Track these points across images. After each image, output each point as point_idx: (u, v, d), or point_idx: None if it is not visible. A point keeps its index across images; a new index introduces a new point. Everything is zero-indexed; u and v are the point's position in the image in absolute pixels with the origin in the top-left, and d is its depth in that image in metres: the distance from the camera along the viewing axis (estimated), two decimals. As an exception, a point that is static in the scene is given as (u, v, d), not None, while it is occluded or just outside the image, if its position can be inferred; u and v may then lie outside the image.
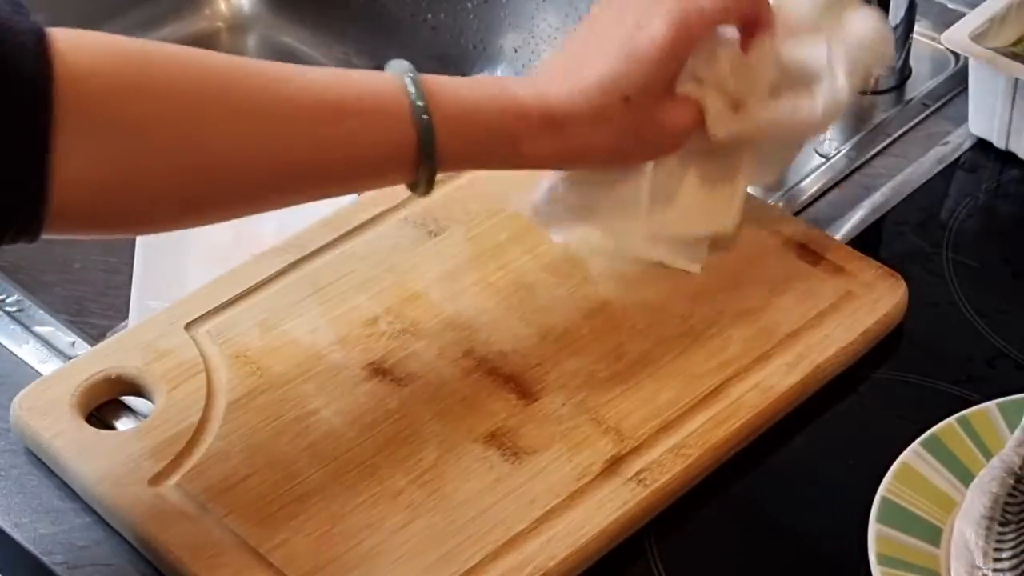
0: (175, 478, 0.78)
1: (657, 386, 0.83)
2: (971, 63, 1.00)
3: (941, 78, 1.09)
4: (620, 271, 0.90)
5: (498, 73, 1.32)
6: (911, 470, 0.77)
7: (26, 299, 0.91)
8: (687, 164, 0.88)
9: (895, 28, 1.06)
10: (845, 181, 1.00)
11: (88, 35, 0.72)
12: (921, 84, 1.08)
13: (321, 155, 0.77)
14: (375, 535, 0.76)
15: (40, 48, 0.68)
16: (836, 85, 0.84)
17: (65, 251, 1.15)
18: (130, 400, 0.84)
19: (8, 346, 0.89)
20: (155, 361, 0.84)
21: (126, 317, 1.01)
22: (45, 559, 0.77)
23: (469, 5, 1.33)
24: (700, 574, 0.78)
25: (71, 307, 1.10)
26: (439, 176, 0.89)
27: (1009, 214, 0.98)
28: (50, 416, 0.81)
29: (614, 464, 0.79)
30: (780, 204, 0.98)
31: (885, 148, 1.03)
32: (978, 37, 1.00)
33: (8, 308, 0.91)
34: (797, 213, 0.97)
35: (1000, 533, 0.73)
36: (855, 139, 1.04)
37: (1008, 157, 1.02)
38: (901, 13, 1.05)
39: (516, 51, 1.31)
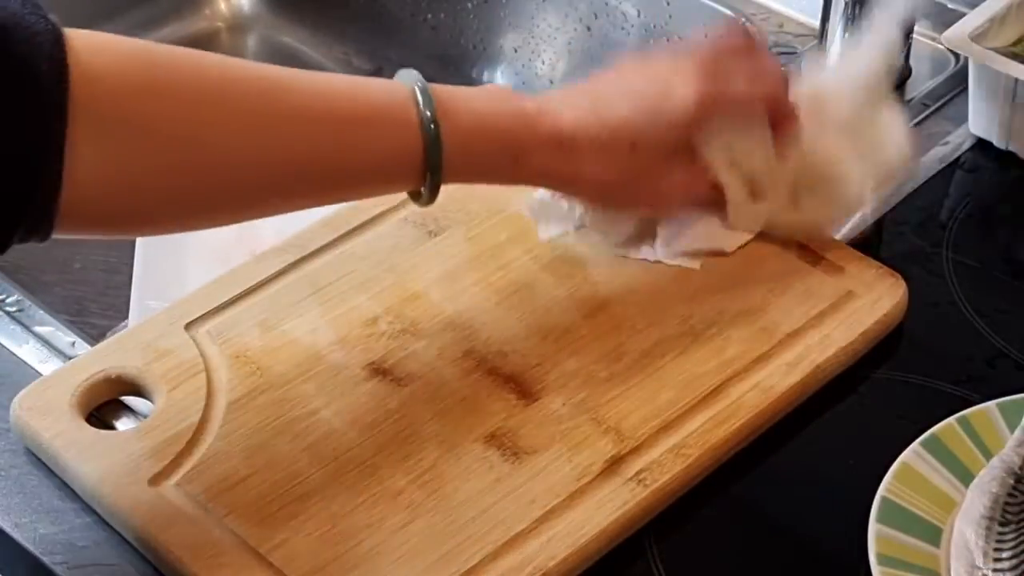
0: (175, 478, 0.78)
1: (657, 386, 0.83)
2: (971, 63, 1.00)
3: (941, 78, 1.09)
4: (620, 271, 0.90)
5: (498, 73, 1.32)
6: (911, 470, 0.77)
7: (26, 299, 0.91)
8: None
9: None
10: (845, 181, 1.00)
11: (102, 37, 0.72)
12: (921, 84, 1.08)
13: (328, 162, 0.77)
14: (375, 535, 0.76)
15: (56, 49, 0.68)
16: (861, 198, 0.89)
17: (65, 251, 1.15)
18: (130, 400, 0.84)
19: (8, 346, 0.89)
20: (155, 361, 0.84)
21: (126, 317, 1.00)
22: (45, 559, 0.77)
23: (469, 5, 1.32)
24: (700, 574, 0.78)
25: (71, 307, 1.10)
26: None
27: (1009, 214, 0.98)
28: (50, 416, 0.81)
29: (614, 464, 0.79)
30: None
31: (885, 148, 1.03)
32: (978, 37, 1.00)
33: (8, 308, 0.91)
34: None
35: (1000, 533, 0.73)
36: (855, 139, 1.04)
37: (1008, 157, 1.02)
38: (901, 13, 1.06)
39: (516, 51, 1.31)
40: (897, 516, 0.75)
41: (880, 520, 0.75)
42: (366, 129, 0.78)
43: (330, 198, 0.82)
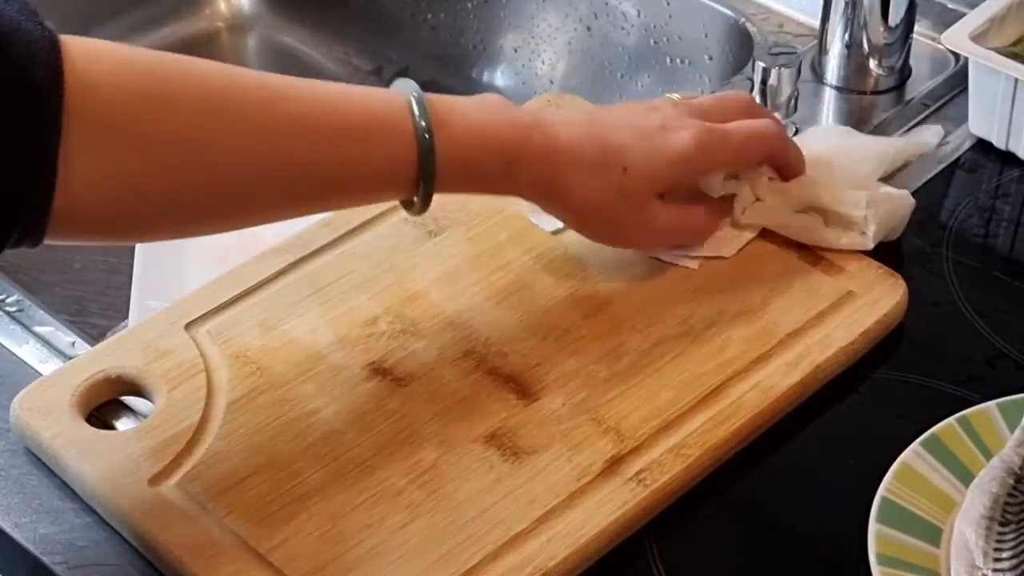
0: (175, 478, 0.78)
1: (657, 386, 0.83)
2: (971, 63, 1.00)
3: (941, 78, 1.09)
4: (620, 271, 0.90)
5: (498, 73, 1.32)
6: (911, 470, 0.77)
7: (26, 299, 0.91)
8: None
9: (895, 28, 1.06)
10: (845, 181, 1.00)
11: (99, 44, 0.72)
12: (921, 84, 1.08)
13: (323, 170, 0.77)
14: (375, 535, 0.76)
15: (52, 56, 0.68)
16: (865, 235, 0.90)
17: (65, 251, 1.15)
18: (130, 400, 0.84)
19: (8, 346, 0.89)
20: (155, 361, 0.84)
21: (126, 317, 1.00)
22: (45, 559, 0.77)
23: (469, 5, 1.33)
24: (700, 574, 0.78)
25: (71, 307, 1.10)
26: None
27: (1009, 214, 0.98)
28: (50, 416, 0.81)
29: (614, 464, 0.79)
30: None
31: (885, 148, 1.03)
32: (978, 37, 1.00)
33: (8, 308, 0.91)
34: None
35: (1000, 533, 0.73)
36: (855, 139, 1.04)
37: (1008, 157, 1.02)
38: (901, 13, 1.05)
39: (516, 51, 1.31)
40: (897, 516, 0.75)
41: (880, 520, 0.75)
42: (361, 138, 0.78)
43: (324, 206, 0.82)
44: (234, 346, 0.85)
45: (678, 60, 1.23)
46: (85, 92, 0.69)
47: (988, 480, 0.75)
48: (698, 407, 0.82)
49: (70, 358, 0.87)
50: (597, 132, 0.84)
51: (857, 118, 1.05)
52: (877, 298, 0.88)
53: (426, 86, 0.81)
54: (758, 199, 0.91)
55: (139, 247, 1.05)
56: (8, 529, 0.78)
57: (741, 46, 1.17)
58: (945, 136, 1.03)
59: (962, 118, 1.03)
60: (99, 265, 1.14)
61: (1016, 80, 0.98)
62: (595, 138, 0.84)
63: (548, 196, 0.85)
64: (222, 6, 1.42)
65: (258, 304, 0.88)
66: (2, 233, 0.69)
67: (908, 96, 1.08)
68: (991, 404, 0.81)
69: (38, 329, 0.90)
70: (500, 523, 0.76)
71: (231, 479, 0.78)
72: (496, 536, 0.76)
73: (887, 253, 0.92)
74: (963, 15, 1.02)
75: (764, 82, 1.02)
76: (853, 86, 1.08)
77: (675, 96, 0.91)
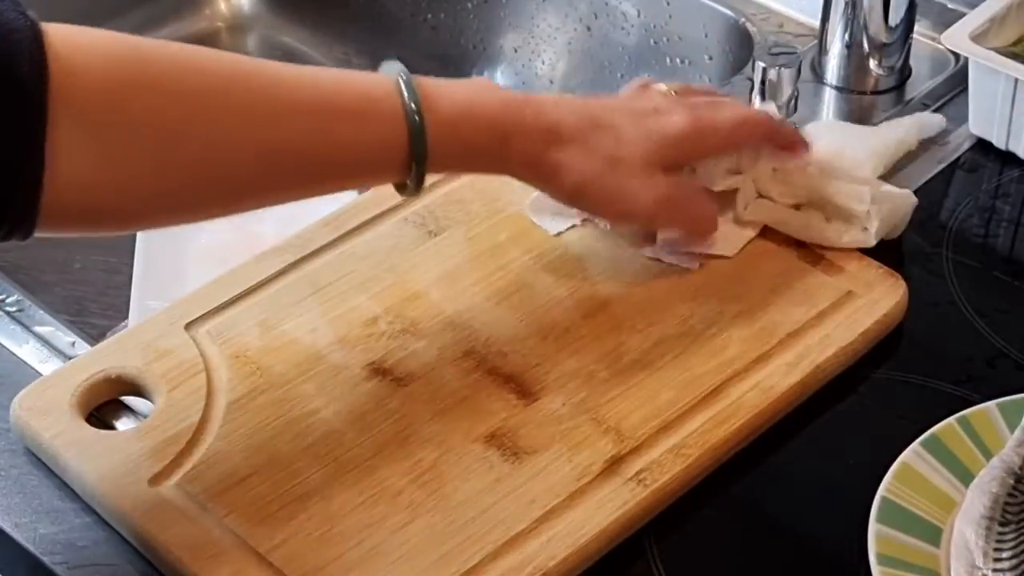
0: (175, 478, 0.78)
1: (657, 386, 0.83)
2: (971, 63, 1.00)
3: (941, 78, 1.09)
4: (620, 271, 0.90)
5: (498, 73, 1.32)
6: (911, 470, 0.77)
7: (26, 299, 0.91)
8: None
9: (895, 28, 1.06)
10: (845, 181, 1.00)
11: (83, 32, 0.71)
12: (921, 84, 1.08)
13: (313, 154, 0.77)
14: (375, 535, 0.76)
15: (35, 46, 0.68)
16: (867, 231, 0.90)
17: (65, 251, 1.15)
18: (130, 400, 0.84)
19: (8, 346, 0.89)
20: (155, 361, 0.84)
21: (126, 317, 1.01)
22: (45, 559, 0.77)
23: (469, 5, 1.33)
24: (700, 574, 0.78)
25: (71, 307, 1.10)
26: (437, 177, 0.89)
27: (1009, 214, 0.98)
28: (50, 416, 0.81)
29: (614, 464, 0.79)
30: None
31: (885, 148, 1.03)
32: (978, 37, 1.00)
33: (8, 308, 0.91)
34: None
35: (1000, 533, 0.73)
36: (855, 139, 1.04)
37: (1008, 157, 1.02)
38: (901, 13, 1.05)
39: (516, 51, 1.31)
40: (897, 516, 0.75)
41: (880, 520, 0.75)
42: (351, 120, 0.78)
43: (316, 190, 0.81)
44: (234, 346, 0.85)
45: (678, 60, 1.23)
46: (70, 80, 0.69)
47: (988, 480, 0.75)
48: (698, 407, 0.82)
49: (70, 358, 0.87)
50: (589, 111, 0.84)
51: (857, 118, 1.05)
52: (877, 298, 0.88)
53: (426, 86, 0.81)
54: (760, 194, 0.91)
55: (139, 247, 1.05)
56: (8, 529, 0.78)
57: (741, 46, 1.17)
58: (945, 136, 1.03)
59: (962, 118, 1.03)
60: (99, 265, 1.14)
61: (1016, 80, 0.98)
62: (587, 117, 0.84)
63: (540, 175, 0.84)
64: (222, 6, 1.43)
65: (258, 304, 0.88)
66: None
67: (908, 96, 1.08)
68: (991, 404, 0.81)
69: (38, 329, 0.90)
70: (500, 523, 0.76)
71: (231, 479, 0.78)
72: (496, 536, 0.76)
73: (887, 253, 0.91)
74: (963, 15, 1.02)
75: (764, 82, 1.02)
76: (853, 86, 1.08)
77: (663, 87, 0.90)
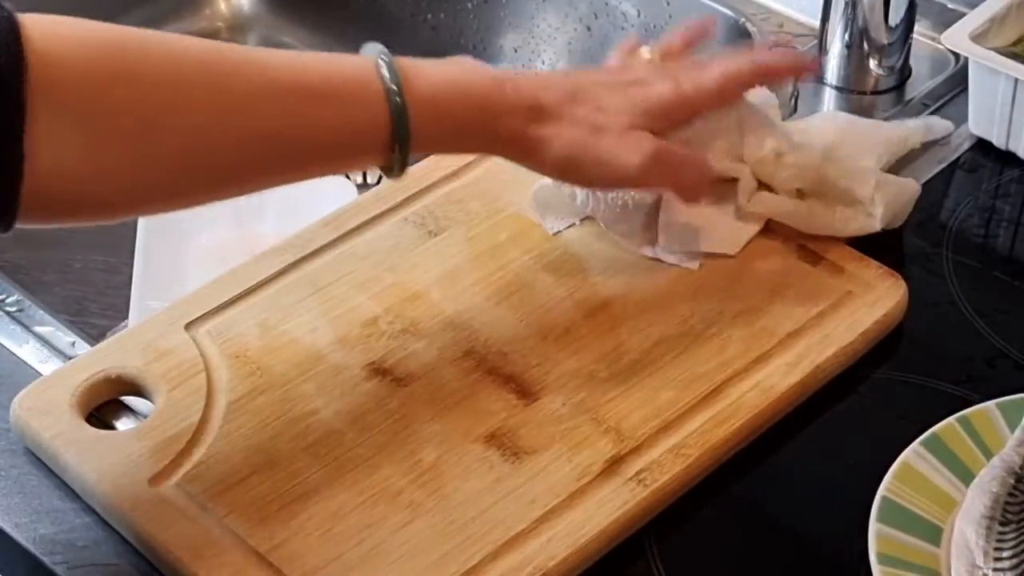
0: (175, 478, 0.78)
1: (657, 386, 0.83)
2: (971, 63, 1.00)
3: (941, 78, 1.09)
4: (620, 271, 0.90)
5: (498, 73, 1.32)
6: (912, 470, 0.77)
7: (26, 299, 0.91)
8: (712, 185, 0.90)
9: (895, 28, 1.06)
10: (845, 181, 1.00)
11: (61, 21, 0.71)
12: (921, 84, 1.08)
13: (294, 137, 0.77)
14: (375, 535, 0.76)
15: (11, 38, 0.67)
16: (871, 216, 0.91)
17: (65, 251, 1.15)
18: (130, 400, 0.84)
19: (8, 346, 0.88)
20: (155, 361, 0.84)
21: (126, 317, 1.01)
22: (45, 559, 0.77)
23: (469, 5, 1.33)
24: (700, 574, 0.78)
25: (71, 307, 1.10)
26: (440, 174, 0.89)
27: (1009, 214, 0.98)
28: (50, 416, 0.81)
29: (614, 464, 0.79)
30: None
31: (885, 148, 1.03)
32: (978, 37, 1.00)
33: (8, 308, 0.91)
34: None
35: (1000, 533, 0.73)
36: (855, 139, 1.03)
37: (1008, 157, 1.02)
38: (901, 13, 1.05)
39: (516, 51, 1.31)
40: (898, 516, 0.75)
41: (880, 520, 0.75)
42: (331, 103, 0.77)
43: (301, 174, 0.80)
44: (234, 346, 0.85)
45: (678, 60, 1.22)
46: (48, 71, 0.68)
47: (988, 480, 0.75)
48: (698, 407, 0.82)
49: (70, 358, 0.87)
50: (571, 85, 0.84)
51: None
52: (877, 298, 0.88)
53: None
54: (761, 183, 0.91)
55: (139, 247, 1.05)
56: (8, 529, 0.78)
57: (741, 46, 1.17)
58: (945, 136, 1.03)
59: (962, 118, 1.03)
60: (99, 265, 1.14)
61: (1016, 80, 0.98)
62: (569, 91, 0.83)
63: (525, 151, 0.83)
64: (222, 6, 1.42)
65: (258, 304, 0.88)
66: None
67: (908, 96, 1.08)
68: (991, 404, 0.81)
69: (38, 329, 0.90)
70: (500, 523, 0.76)
71: (231, 479, 0.78)
72: (496, 536, 0.76)
73: (887, 253, 0.91)
74: (963, 15, 1.02)
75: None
76: (853, 86, 1.08)
77: (647, 53, 0.90)
